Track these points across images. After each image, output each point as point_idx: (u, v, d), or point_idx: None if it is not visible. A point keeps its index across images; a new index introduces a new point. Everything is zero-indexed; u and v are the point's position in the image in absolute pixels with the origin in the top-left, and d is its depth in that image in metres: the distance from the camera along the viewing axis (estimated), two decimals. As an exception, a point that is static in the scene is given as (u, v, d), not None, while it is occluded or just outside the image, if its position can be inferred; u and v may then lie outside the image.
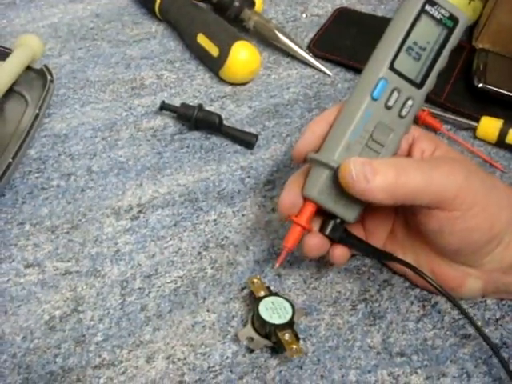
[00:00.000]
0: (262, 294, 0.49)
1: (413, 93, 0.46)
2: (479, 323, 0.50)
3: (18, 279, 0.49)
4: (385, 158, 0.46)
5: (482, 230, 0.45)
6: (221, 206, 0.58)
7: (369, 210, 0.49)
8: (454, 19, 0.46)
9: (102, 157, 0.61)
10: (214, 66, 0.72)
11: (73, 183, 0.58)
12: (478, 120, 0.67)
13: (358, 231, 0.50)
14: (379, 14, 0.85)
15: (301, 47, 0.76)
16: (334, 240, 0.48)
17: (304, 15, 0.83)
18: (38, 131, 0.61)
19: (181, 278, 0.51)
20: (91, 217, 0.55)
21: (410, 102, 0.46)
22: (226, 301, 0.50)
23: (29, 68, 0.64)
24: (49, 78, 0.62)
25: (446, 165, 0.45)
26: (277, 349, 0.47)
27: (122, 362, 0.45)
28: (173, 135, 0.65)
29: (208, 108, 0.66)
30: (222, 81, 0.72)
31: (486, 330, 0.50)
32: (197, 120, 0.64)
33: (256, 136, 0.65)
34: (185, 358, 0.46)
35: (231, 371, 0.46)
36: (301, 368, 0.47)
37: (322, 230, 0.48)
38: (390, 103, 0.46)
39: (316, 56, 0.77)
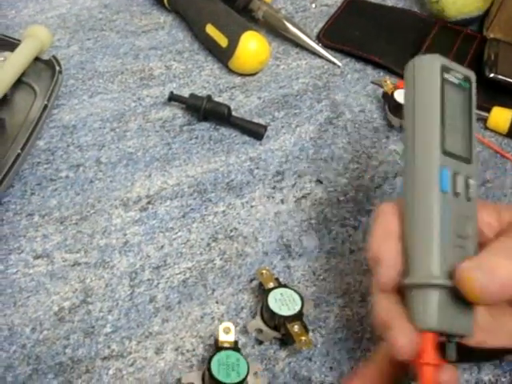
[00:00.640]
0: (271, 285, 0.48)
1: (469, 170, 0.41)
2: None
3: (26, 270, 0.49)
4: (476, 251, 0.40)
5: None
6: (229, 197, 0.58)
7: None
8: (468, 80, 0.42)
9: (110, 148, 0.61)
10: (222, 56, 0.72)
11: (81, 174, 0.58)
12: (489, 110, 0.67)
13: None
14: (389, 3, 0.84)
15: (310, 37, 0.75)
16: (458, 361, 0.39)
17: (313, 5, 0.83)
18: (46, 122, 0.61)
19: (190, 269, 0.51)
20: (100, 208, 0.55)
21: (471, 182, 0.40)
22: (235, 292, 0.50)
23: (37, 59, 0.64)
24: (57, 68, 0.62)
25: None
26: (286, 341, 0.47)
27: (130, 353, 0.45)
28: (181, 126, 0.65)
29: (217, 99, 0.66)
30: (230, 71, 0.72)
31: None
32: (206, 111, 0.64)
33: (265, 127, 0.64)
34: (194, 350, 0.46)
35: (240, 363, 0.46)
36: (310, 360, 0.46)
37: (445, 357, 0.38)
38: (458, 190, 0.40)
39: (325, 46, 0.76)
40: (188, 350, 0.46)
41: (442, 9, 0.78)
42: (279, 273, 0.52)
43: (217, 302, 0.49)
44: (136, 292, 0.49)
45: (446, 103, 0.40)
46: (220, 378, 0.41)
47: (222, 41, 0.70)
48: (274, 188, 0.59)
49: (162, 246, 0.53)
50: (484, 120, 0.67)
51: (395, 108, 0.66)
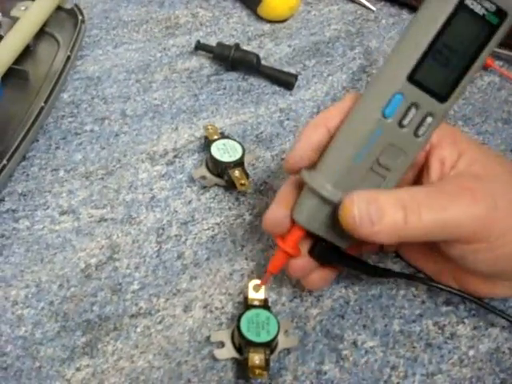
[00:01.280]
0: (215, 137, 0.53)
1: (434, 108, 0.37)
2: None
3: (53, 226, 0.48)
4: (391, 187, 0.39)
5: None
6: (259, 150, 0.56)
7: None
8: (500, 14, 0.35)
9: (136, 100, 0.59)
10: (251, 2, 0.69)
11: (107, 128, 0.56)
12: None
13: None
14: None
15: (342, -20, 0.72)
16: (324, 262, 0.43)
17: None
18: (70, 74, 0.60)
19: (218, 224, 0.50)
20: (126, 162, 0.54)
21: (429, 120, 0.37)
22: (265, 248, 0.49)
23: (59, 8, 0.62)
24: (80, 18, 0.60)
25: (466, 193, 0.38)
26: (228, 186, 0.51)
27: (158, 310, 0.44)
28: (209, 76, 0.62)
29: (245, 47, 0.64)
30: (259, 18, 0.69)
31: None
32: (234, 60, 0.62)
33: (295, 76, 0.62)
34: (223, 307, 0.45)
35: (270, 320, 0.44)
36: (342, 317, 0.45)
37: (311, 252, 0.42)
38: (405, 122, 0.37)
39: (359, -10, 0.73)
40: (217, 308, 0.45)
41: None
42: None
43: (246, 259, 0.48)
44: (163, 248, 0.48)
45: (448, 30, 0.35)
46: (250, 336, 0.40)
47: (250, -14, 0.67)
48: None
49: (190, 201, 0.51)
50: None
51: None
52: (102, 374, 0.41)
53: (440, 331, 0.45)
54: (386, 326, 0.45)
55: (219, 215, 0.50)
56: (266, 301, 0.43)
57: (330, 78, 0.63)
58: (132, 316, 0.44)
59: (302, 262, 0.42)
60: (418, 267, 0.47)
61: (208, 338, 0.43)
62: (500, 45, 0.64)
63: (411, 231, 0.37)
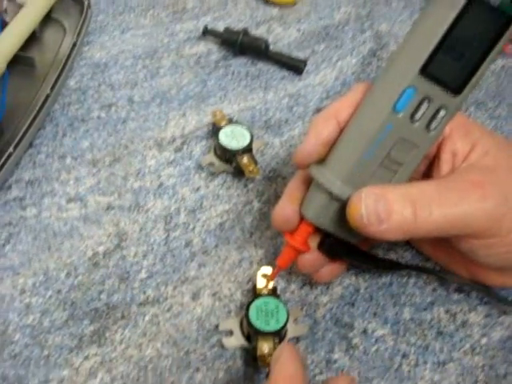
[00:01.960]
0: (223, 124, 0.52)
1: (447, 101, 0.36)
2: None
3: (60, 214, 0.48)
4: (401, 182, 0.38)
5: None
6: (267, 136, 0.55)
7: None
8: None
9: (143, 86, 0.58)
10: (259, -14, 0.68)
11: (114, 114, 0.56)
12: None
13: None
14: None
15: (352, -37, 0.71)
16: (333, 257, 0.42)
17: None
18: (76, 60, 0.59)
19: (227, 212, 0.49)
20: (133, 149, 0.53)
21: (441, 113, 0.36)
22: (274, 236, 0.48)
23: (65, -7, 0.61)
24: (86, 3, 0.60)
25: (477, 188, 0.37)
26: (236, 173, 0.51)
27: (167, 298, 0.44)
28: (217, 62, 0.62)
29: (253, 32, 0.63)
30: (267, 2, 0.68)
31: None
32: (242, 45, 0.61)
33: (304, 61, 0.61)
34: (231, 295, 0.44)
35: (280, 308, 0.44)
36: (352, 305, 0.45)
37: (320, 247, 0.41)
38: (417, 116, 0.36)
39: (369, -28, 0.71)
40: (225, 296, 0.44)
41: None
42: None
43: (255, 246, 0.47)
44: (171, 236, 0.47)
45: (461, 23, 0.34)
46: (258, 325, 0.40)
47: (258, -31, 0.66)
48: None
49: (198, 188, 0.51)
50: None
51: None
52: (110, 363, 0.41)
53: (452, 319, 0.44)
54: (396, 314, 0.44)
55: (227, 202, 0.50)
56: (275, 289, 0.43)
57: (340, 62, 0.62)
58: (140, 304, 0.44)
59: (312, 258, 0.42)
60: (429, 256, 0.47)
61: (216, 326, 0.42)
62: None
63: (421, 228, 0.36)
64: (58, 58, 0.57)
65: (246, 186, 0.51)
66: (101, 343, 0.41)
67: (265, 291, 0.43)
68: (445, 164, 0.40)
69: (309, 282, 0.45)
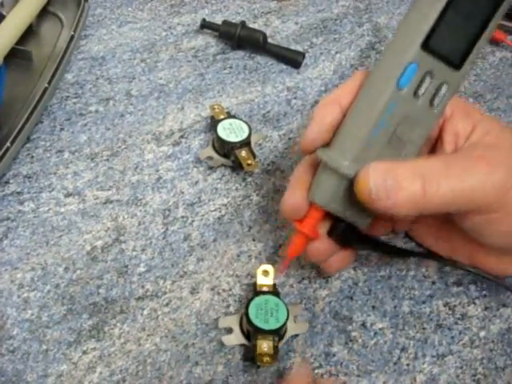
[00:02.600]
0: (222, 117, 0.52)
1: (448, 76, 0.36)
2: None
3: (58, 209, 0.48)
4: (409, 159, 0.38)
5: None
6: (266, 129, 0.55)
7: None
8: None
9: (141, 80, 0.58)
10: (257, -21, 0.68)
11: (111, 108, 0.55)
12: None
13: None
14: None
15: (350, -45, 0.71)
16: (344, 243, 0.42)
17: None
18: (74, 54, 0.59)
19: (225, 205, 0.49)
20: (131, 143, 0.53)
21: (443, 89, 0.36)
22: (273, 229, 0.48)
23: (62, -14, 0.61)
24: (83, -4, 0.60)
25: (483, 161, 0.37)
26: (235, 166, 0.50)
27: (165, 293, 0.44)
28: (215, 55, 0.62)
29: (251, 25, 0.63)
30: (265, -5, 0.68)
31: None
32: (240, 38, 0.61)
33: (303, 54, 0.61)
34: (230, 289, 0.44)
35: (278, 302, 0.44)
36: (351, 299, 0.45)
37: (330, 233, 0.41)
38: (420, 91, 0.36)
39: (367, -35, 0.71)
40: (224, 290, 0.44)
41: None
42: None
43: (253, 240, 0.47)
44: (170, 230, 0.47)
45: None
46: (258, 323, 0.40)
47: (256, -38, 0.66)
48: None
49: (197, 182, 0.51)
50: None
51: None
52: (108, 357, 0.40)
53: (450, 312, 0.44)
54: (395, 307, 0.44)
55: (226, 196, 0.50)
56: (274, 286, 0.43)
57: (338, 55, 0.62)
58: (139, 298, 0.43)
59: (322, 246, 0.41)
60: (430, 248, 0.47)
61: (215, 320, 0.42)
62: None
63: (429, 202, 0.36)
64: (56, 51, 0.56)
65: (244, 179, 0.51)
66: (99, 338, 0.41)
67: (265, 288, 0.42)
68: (448, 145, 0.40)
69: (307, 276, 0.45)
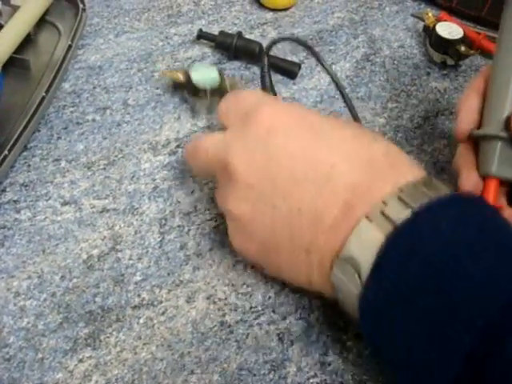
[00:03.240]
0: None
1: None
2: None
3: (54, 217, 0.48)
4: None
5: None
6: (262, 140, 0.55)
7: None
8: None
9: (138, 89, 0.59)
10: (253, -10, 0.68)
11: (108, 117, 0.56)
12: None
13: None
14: None
15: (346, -32, 0.71)
16: None
17: None
18: (71, 63, 0.59)
19: (221, 215, 0.49)
20: (128, 152, 0.53)
21: None
22: (268, 239, 0.48)
23: (60, -4, 0.61)
24: (81, 6, 0.60)
25: None
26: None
27: (161, 301, 0.44)
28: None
29: (248, 36, 0.63)
30: (262, 6, 0.68)
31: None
32: (236, 49, 0.61)
33: (299, 65, 0.61)
34: (226, 298, 0.45)
35: (274, 311, 0.44)
36: (346, 308, 0.45)
37: (510, 201, 0.45)
38: None
39: (362, -23, 0.72)
40: (220, 299, 0.45)
41: None
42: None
43: (249, 249, 0.48)
44: (166, 239, 0.47)
45: None
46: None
47: (253, -27, 0.66)
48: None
49: (193, 191, 0.51)
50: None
51: (437, 43, 0.63)
52: (104, 366, 0.41)
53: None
54: (390, 316, 0.45)
55: (222, 205, 0.50)
56: None
57: (334, 66, 0.63)
58: (135, 307, 0.44)
59: (508, 213, 0.43)
60: None
61: (211, 328, 0.43)
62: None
63: None
64: (53, 60, 0.57)
65: (240, 189, 0.51)
66: (95, 346, 0.41)
67: None
68: None
69: (303, 285, 0.46)
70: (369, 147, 0.39)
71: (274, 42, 0.63)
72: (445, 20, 0.65)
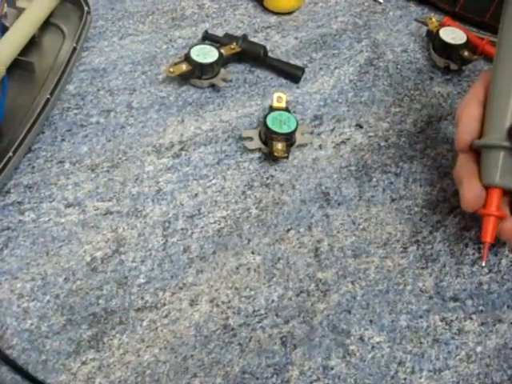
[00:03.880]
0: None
1: None
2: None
3: (58, 219, 0.48)
4: None
5: None
6: (265, 143, 0.55)
7: None
8: None
9: (142, 92, 0.59)
10: (257, -6, 0.68)
11: (112, 120, 0.56)
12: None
13: None
14: None
15: (350, -28, 0.71)
16: None
17: None
18: (76, 65, 0.59)
19: (224, 218, 0.50)
20: (132, 155, 0.53)
21: None
22: (272, 242, 0.48)
23: (65, -1, 0.62)
24: (86, 9, 0.60)
25: None
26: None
27: (164, 304, 0.44)
28: (215, 68, 0.62)
29: (252, 39, 0.63)
30: (266, 10, 0.68)
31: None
32: (241, 51, 0.61)
33: (302, 69, 0.61)
34: (229, 302, 0.45)
35: (277, 315, 0.44)
36: (349, 312, 0.45)
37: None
38: None
39: (366, -18, 0.72)
40: (223, 302, 0.45)
41: None
42: (317, 222, 0.50)
43: (252, 253, 0.48)
44: (169, 242, 0.48)
45: None
46: (274, 128, 0.53)
47: (257, -23, 0.67)
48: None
49: (196, 194, 0.51)
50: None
51: (440, 47, 0.63)
52: (107, 368, 0.41)
53: (447, 327, 0.45)
54: (392, 321, 0.45)
55: (225, 208, 0.50)
56: (287, 108, 0.56)
57: (337, 70, 0.63)
58: (138, 310, 0.44)
59: (510, 223, 0.44)
60: None
61: (214, 332, 0.43)
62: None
63: None
64: (58, 62, 0.57)
65: (243, 192, 0.51)
66: (98, 348, 0.42)
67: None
68: None
69: (306, 289, 0.46)
70: None
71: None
72: (448, 25, 0.65)
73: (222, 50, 0.60)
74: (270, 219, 0.50)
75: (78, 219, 0.48)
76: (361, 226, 0.50)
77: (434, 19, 0.66)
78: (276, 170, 0.53)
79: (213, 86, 0.59)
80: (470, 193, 0.44)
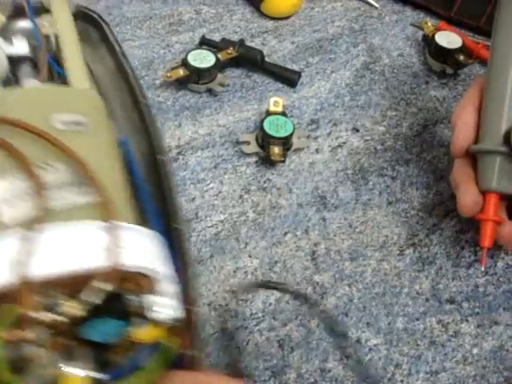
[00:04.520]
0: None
1: None
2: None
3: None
4: None
5: None
6: (262, 147, 0.56)
7: None
8: None
9: (139, 97, 0.59)
10: (254, -1, 0.69)
11: (110, 124, 0.56)
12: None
13: None
14: None
15: (346, -23, 0.72)
16: None
17: None
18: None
19: (222, 222, 0.50)
20: (129, 159, 0.53)
21: None
22: (269, 246, 0.49)
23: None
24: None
25: None
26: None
27: (162, 308, 0.44)
28: (212, 73, 0.62)
29: (249, 44, 0.63)
30: (263, 15, 0.69)
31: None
32: (238, 56, 0.62)
33: (299, 73, 0.62)
34: (227, 305, 0.45)
35: (274, 318, 0.45)
36: (346, 315, 0.45)
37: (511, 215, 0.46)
38: None
39: (362, -14, 0.73)
40: (221, 305, 0.45)
41: None
42: (314, 225, 0.50)
43: (250, 256, 0.48)
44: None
45: None
46: (271, 133, 0.53)
47: (254, -18, 0.67)
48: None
49: (194, 198, 0.51)
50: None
51: (436, 52, 0.63)
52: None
53: (444, 329, 0.45)
54: (389, 323, 0.45)
55: (223, 212, 0.50)
56: (284, 112, 0.56)
57: (334, 75, 0.63)
58: (136, 313, 0.44)
59: (509, 227, 0.44)
60: None
61: (212, 335, 0.43)
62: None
63: None
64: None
65: (240, 196, 0.52)
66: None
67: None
68: None
69: (303, 292, 0.46)
70: None
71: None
72: (444, 29, 0.66)
73: (219, 55, 0.60)
74: (267, 223, 0.50)
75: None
76: (357, 229, 0.50)
77: (429, 24, 0.67)
78: (273, 173, 0.54)
79: (210, 90, 0.59)
80: (467, 198, 0.44)
